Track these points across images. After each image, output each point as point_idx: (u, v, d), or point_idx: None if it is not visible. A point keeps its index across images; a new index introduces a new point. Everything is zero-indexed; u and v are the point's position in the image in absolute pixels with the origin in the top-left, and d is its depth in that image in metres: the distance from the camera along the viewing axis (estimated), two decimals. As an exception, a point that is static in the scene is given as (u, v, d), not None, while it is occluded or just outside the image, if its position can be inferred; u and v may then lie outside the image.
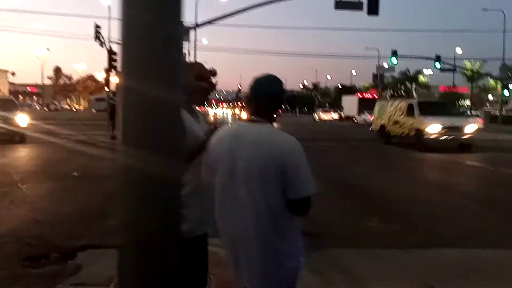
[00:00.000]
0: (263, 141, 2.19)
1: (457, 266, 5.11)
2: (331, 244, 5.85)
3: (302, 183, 2.16)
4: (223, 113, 76.78)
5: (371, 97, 51.42)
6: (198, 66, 2.91)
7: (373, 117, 25.13)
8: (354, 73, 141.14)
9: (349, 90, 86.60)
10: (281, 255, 2.23)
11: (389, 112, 21.64)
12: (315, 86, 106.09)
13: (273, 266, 2.22)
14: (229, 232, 2.30)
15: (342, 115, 60.63)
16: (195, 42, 44.09)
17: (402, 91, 73.28)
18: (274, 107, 2.32)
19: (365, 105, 45.46)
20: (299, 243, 2.33)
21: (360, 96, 56.05)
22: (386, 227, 6.77)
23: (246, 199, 2.19)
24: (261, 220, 2.18)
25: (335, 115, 61.73)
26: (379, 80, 67.02)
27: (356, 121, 50.95)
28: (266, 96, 2.27)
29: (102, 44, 29.89)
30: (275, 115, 2.35)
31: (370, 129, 24.72)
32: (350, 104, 55.71)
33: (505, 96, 44.29)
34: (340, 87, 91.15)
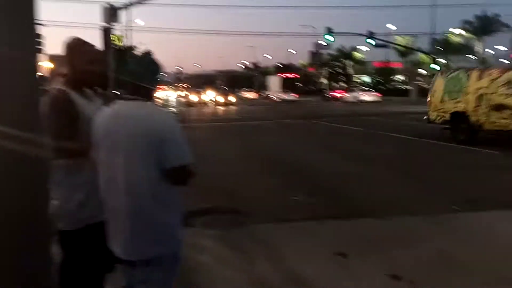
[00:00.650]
0: (139, 117, 2.29)
1: (371, 234, 5.33)
2: (253, 220, 5.94)
3: (178, 153, 2.27)
4: (166, 96, 73.73)
5: (293, 76, 54.07)
6: (89, 49, 2.86)
7: (429, 100, 15.23)
8: (293, 51, 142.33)
9: (288, 68, 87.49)
10: (160, 227, 2.32)
11: (477, 90, 12.95)
12: (256, 65, 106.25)
13: (152, 238, 2.31)
14: (110, 205, 2.37)
15: (265, 94, 64.17)
16: (128, 23, 42.56)
17: (337, 68, 75.01)
18: (146, 85, 2.38)
19: (288, 84, 49.24)
20: (179, 215, 2.42)
21: (284, 76, 58.87)
22: (310, 201, 6.97)
23: (126, 173, 2.27)
24: (140, 192, 2.27)
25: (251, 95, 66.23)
26: (316, 57, 68.09)
27: (274, 99, 54.53)
28: (133, 75, 2.36)
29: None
30: (152, 93, 2.43)
31: (424, 118, 15.48)
32: (274, 83, 57.73)
33: (434, 69, 46.21)
34: (281, 66, 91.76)
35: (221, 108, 40.88)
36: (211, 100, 48.85)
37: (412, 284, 3.97)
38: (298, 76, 51.19)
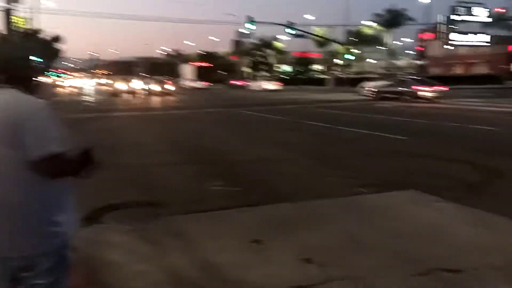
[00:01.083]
0: (5, 106, 2.14)
1: (286, 219, 5.47)
2: (171, 211, 5.88)
3: (42, 143, 2.10)
4: (81, 84, 70.32)
5: (206, 65, 58.82)
6: None
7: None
8: (216, 39, 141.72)
9: (211, 56, 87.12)
10: (39, 223, 2.17)
11: None
12: (178, 53, 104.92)
13: (31, 234, 2.16)
14: None
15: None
16: (36, 5, 39.92)
17: (259, 57, 75.86)
18: (16, 74, 2.23)
19: (201, 73, 52.50)
20: (64, 210, 2.25)
21: (197, 65, 61.91)
22: (228, 189, 7.02)
23: None
24: (14, 186, 2.12)
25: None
26: (238, 46, 68.36)
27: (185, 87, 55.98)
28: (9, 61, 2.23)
29: None
30: (30, 82, 2.29)
31: None
32: (187, 72, 59.25)
33: (348, 59, 48.11)
34: (203, 53, 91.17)
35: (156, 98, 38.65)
36: (143, 89, 44.10)
37: (323, 266, 4.12)
38: (212, 65, 52.95)
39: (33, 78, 2.33)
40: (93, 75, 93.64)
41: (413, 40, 65.61)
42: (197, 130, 14.93)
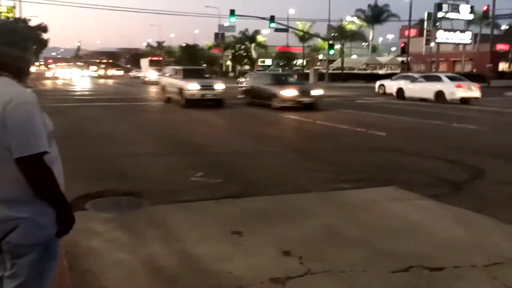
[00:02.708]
0: None
1: (265, 212, 5.49)
2: (152, 201, 5.85)
3: (20, 142, 2.00)
4: (70, 74, 72.50)
5: (158, 59, 65.15)
6: None
7: None
8: (196, 32, 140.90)
9: (193, 48, 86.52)
10: (26, 218, 2.10)
11: None
12: (160, 44, 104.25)
13: (18, 227, 2.09)
14: None
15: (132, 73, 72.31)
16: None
17: (241, 51, 75.71)
18: (8, 59, 2.11)
19: (154, 65, 56.85)
20: (43, 207, 2.14)
21: (151, 58, 66.70)
22: (209, 180, 7.01)
23: None
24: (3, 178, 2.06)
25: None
26: (220, 39, 68.06)
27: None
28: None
29: None
30: (23, 69, 2.20)
31: None
32: (144, 64, 63.99)
33: (330, 55, 48.28)
34: (185, 45, 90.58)
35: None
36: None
37: (301, 259, 4.16)
38: (161, 58, 66.57)
39: (25, 67, 2.23)
40: (80, 65, 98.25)
41: (396, 37, 66.17)
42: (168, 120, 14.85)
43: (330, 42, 46.67)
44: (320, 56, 74.01)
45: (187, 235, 4.74)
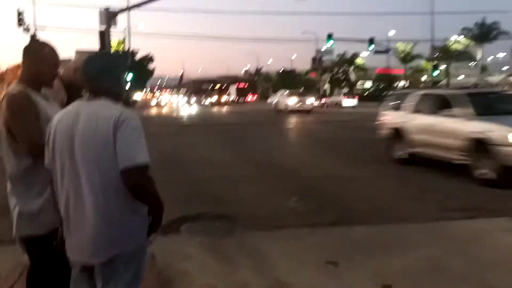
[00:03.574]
0: (96, 115, 2.21)
1: (363, 241, 5.17)
2: (245, 226, 5.79)
3: (127, 154, 2.14)
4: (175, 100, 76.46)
5: (243, 86, 70.92)
6: (49, 51, 2.84)
7: None
8: (293, 57, 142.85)
9: (290, 74, 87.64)
10: (120, 229, 2.23)
11: None
12: (257, 71, 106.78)
13: (110, 241, 2.22)
14: (70, 208, 2.28)
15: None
16: (128, 27, 42.46)
17: (340, 74, 75.21)
18: (105, 84, 2.30)
19: (241, 92, 64.54)
20: (142, 215, 2.29)
21: (238, 86, 72.08)
22: (303, 206, 6.82)
23: (85, 174, 2.19)
24: (98, 195, 2.18)
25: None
26: (317, 63, 68.28)
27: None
28: (90, 74, 2.30)
29: (26, 30, 28.54)
30: (114, 91, 2.34)
31: None
32: (233, 90, 70.30)
33: (434, 76, 46.13)
34: (282, 70, 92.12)
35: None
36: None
37: (402, 294, 3.81)
38: (246, 85, 71.27)
39: (121, 93, 2.43)
40: (182, 92, 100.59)
41: (508, 55, 61.67)
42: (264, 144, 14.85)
43: (435, 62, 44.71)
44: (423, 78, 71.17)
45: (280, 263, 4.57)
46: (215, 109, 51.93)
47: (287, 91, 39.51)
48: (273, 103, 41.14)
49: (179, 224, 5.80)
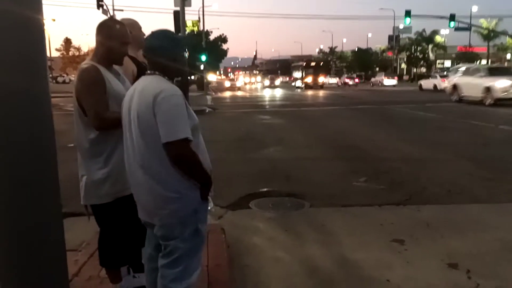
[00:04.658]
0: (146, 90, 2.38)
1: (431, 221, 5.14)
2: (314, 204, 5.93)
3: (168, 129, 2.27)
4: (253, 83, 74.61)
5: (313, 64, 61.45)
6: (120, 29, 2.94)
7: None
8: (369, 35, 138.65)
9: (365, 53, 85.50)
10: (170, 190, 2.40)
11: None
12: (331, 50, 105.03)
13: (160, 201, 2.41)
14: (131, 175, 2.52)
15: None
16: (203, 8, 43.21)
17: (417, 53, 72.10)
18: (161, 60, 2.43)
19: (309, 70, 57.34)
20: (190, 184, 2.42)
21: (305, 63, 64.56)
22: (373, 186, 6.82)
23: (137, 146, 2.40)
24: (150, 164, 2.39)
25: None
26: (394, 41, 65.98)
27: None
28: (149, 50, 2.45)
29: (105, 12, 29.92)
30: (173, 71, 2.48)
31: None
32: (297, 71, 66.08)
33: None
34: (357, 49, 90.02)
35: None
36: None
37: (469, 273, 3.80)
38: (314, 64, 60.89)
39: (179, 72, 2.53)
40: (256, 73, 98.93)
41: None
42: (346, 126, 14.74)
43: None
44: (508, 56, 66.77)
45: (346, 239, 4.68)
46: (310, 92, 44.13)
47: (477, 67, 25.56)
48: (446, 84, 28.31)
49: (248, 201, 6.05)
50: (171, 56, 2.44)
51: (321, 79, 54.25)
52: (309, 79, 53.98)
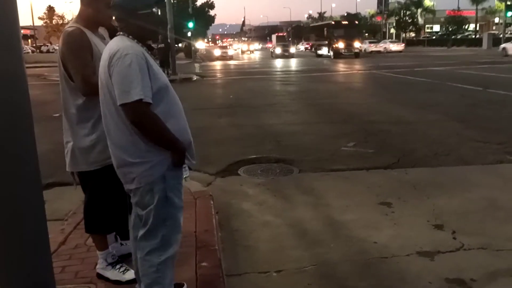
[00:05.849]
0: (105, 51, 2.32)
1: (419, 183, 5.21)
2: (302, 169, 5.96)
3: (120, 90, 2.17)
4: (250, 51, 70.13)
5: (283, 34, 65.40)
6: None
7: None
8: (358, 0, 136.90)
9: (354, 17, 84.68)
10: (127, 156, 2.32)
11: None
12: (320, 15, 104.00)
13: (124, 166, 2.35)
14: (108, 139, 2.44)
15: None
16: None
17: (406, 17, 71.57)
18: (122, 17, 2.34)
19: (280, 39, 56.63)
20: (149, 149, 2.30)
21: (277, 34, 65.14)
22: (361, 150, 6.85)
23: (103, 105, 2.35)
24: (111, 124, 2.33)
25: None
26: (383, 6, 65.35)
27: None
28: (112, 7, 2.38)
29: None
30: (137, 28, 2.32)
31: None
32: (274, 39, 63.87)
33: (508, 17, 42.96)
34: (346, 14, 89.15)
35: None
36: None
37: (454, 233, 3.86)
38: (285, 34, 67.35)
39: (149, 36, 2.41)
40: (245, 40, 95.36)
41: None
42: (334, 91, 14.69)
43: (508, 2, 41.54)
44: (496, 20, 66.56)
45: (335, 202, 4.73)
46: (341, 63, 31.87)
47: None
48: None
49: (237, 167, 6.06)
50: (131, 12, 2.30)
51: (357, 44, 41.35)
52: (340, 44, 40.38)
